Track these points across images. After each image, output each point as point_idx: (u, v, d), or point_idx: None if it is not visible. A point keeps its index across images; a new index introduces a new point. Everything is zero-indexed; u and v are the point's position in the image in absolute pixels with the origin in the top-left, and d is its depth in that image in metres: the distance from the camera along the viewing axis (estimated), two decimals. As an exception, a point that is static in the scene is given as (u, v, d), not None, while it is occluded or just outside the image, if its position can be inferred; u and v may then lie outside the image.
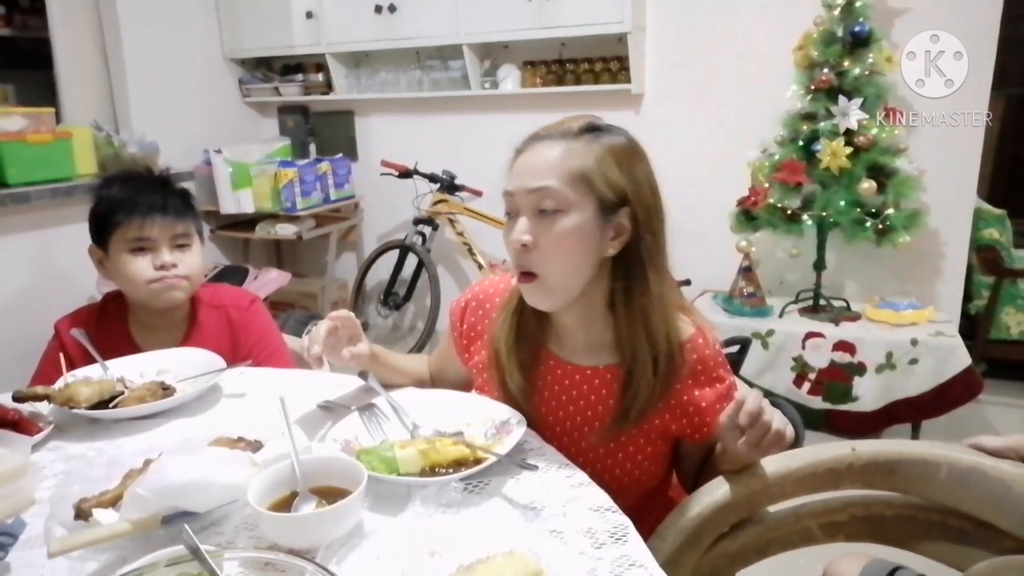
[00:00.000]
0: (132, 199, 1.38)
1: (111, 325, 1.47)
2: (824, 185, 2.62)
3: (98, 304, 1.52)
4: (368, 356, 1.12)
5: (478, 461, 0.90)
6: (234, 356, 1.30)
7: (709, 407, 1.01)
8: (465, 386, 1.19)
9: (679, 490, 1.20)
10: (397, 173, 3.37)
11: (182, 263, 1.41)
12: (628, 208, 0.94)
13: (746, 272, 2.83)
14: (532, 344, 1.05)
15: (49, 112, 2.82)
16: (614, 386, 1.01)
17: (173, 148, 3.38)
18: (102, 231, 1.40)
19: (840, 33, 2.57)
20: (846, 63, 2.53)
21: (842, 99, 2.53)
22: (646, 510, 1.12)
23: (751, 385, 1.31)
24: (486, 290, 1.15)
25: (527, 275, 0.95)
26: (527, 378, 1.04)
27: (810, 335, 2.64)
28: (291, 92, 3.84)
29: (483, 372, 1.11)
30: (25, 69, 3.99)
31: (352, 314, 1.10)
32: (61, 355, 1.29)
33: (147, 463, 0.86)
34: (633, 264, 0.95)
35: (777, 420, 0.90)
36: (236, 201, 3.43)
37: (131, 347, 1.41)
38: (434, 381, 1.28)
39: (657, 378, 0.97)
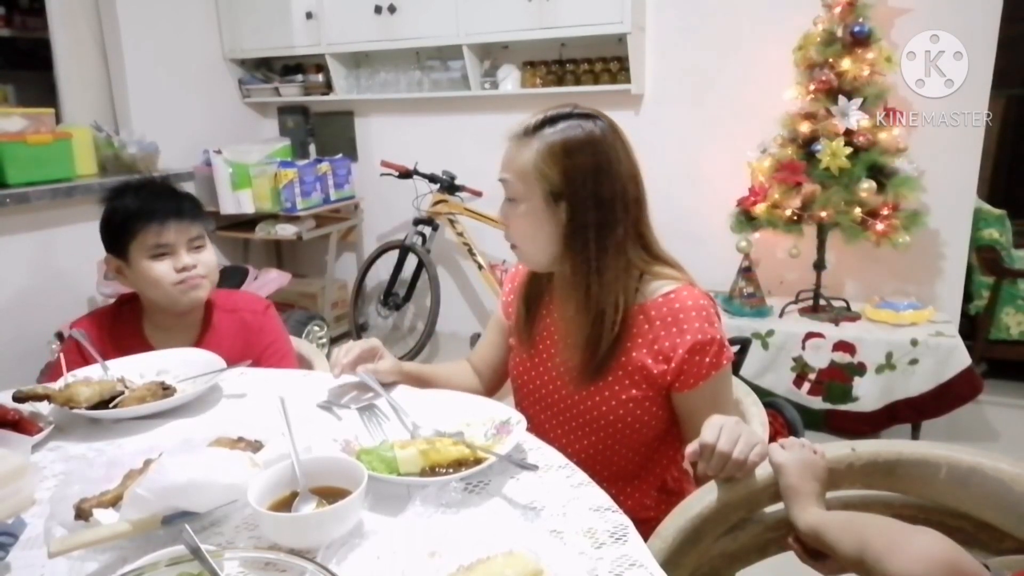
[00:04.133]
0: (148, 207, 1.40)
1: (126, 328, 1.48)
2: (824, 185, 2.62)
3: (112, 307, 1.53)
4: (389, 372, 1.19)
5: (478, 461, 0.90)
6: (246, 359, 1.31)
7: (687, 354, 1.08)
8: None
9: (683, 475, 1.26)
10: (397, 173, 3.37)
11: (200, 263, 1.45)
12: (562, 198, 1.08)
13: (746, 272, 2.83)
14: (543, 291, 1.23)
15: (49, 112, 2.82)
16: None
17: (173, 148, 3.39)
18: (119, 241, 1.42)
19: (840, 33, 2.57)
20: (846, 63, 2.54)
21: (842, 99, 2.53)
22: (657, 486, 1.20)
23: (751, 385, 1.31)
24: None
25: (513, 245, 1.16)
26: (529, 325, 1.23)
27: (810, 335, 2.64)
28: (291, 92, 3.84)
29: (512, 313, 1.30)
30: (25, 69, 4.00)
31: (376, 342, 1.21)
32: (62, 355, 1.29)
33: (147, 463, 0.85)
34: (578, 242, 1.09)
35: (738, 448, 0.92)
36: (236, 201, 3.43)
37: (146, 349, 1.42)
38: (483, 376, 1.36)
39: (599, 333, 1.09)
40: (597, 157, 1.07)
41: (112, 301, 1.57)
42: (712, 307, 1.12)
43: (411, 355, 3.40)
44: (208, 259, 1.47)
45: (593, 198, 1.07)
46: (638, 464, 1.18)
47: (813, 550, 0.90)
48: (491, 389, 1.36)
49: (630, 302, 1.11)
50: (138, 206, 1.41)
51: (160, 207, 1.41)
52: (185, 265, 1.41)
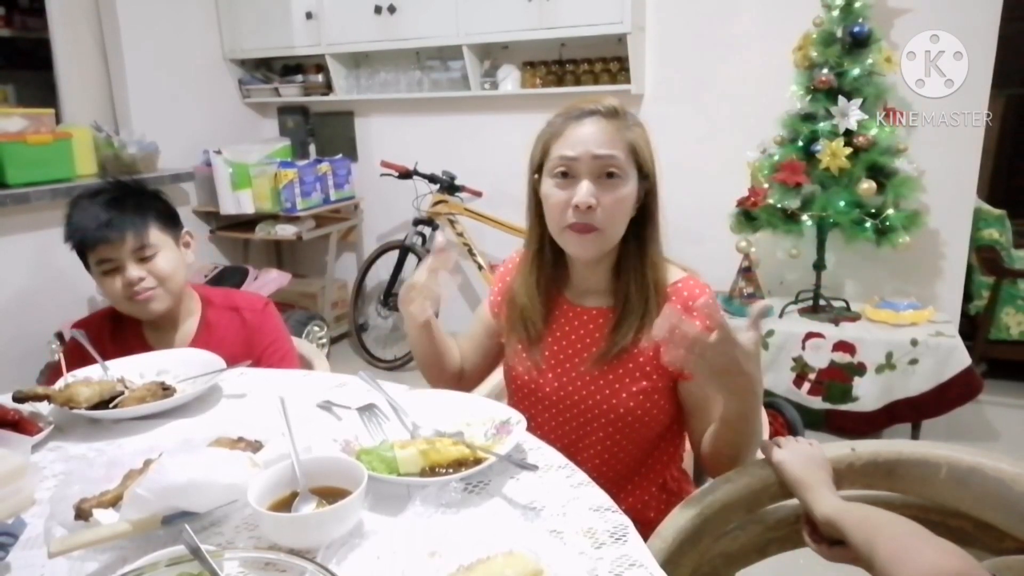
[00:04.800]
0: (80, 225, 1.37)
1: (126, 329, 1.48)
2: (824, 185, 2.62)
3: (111, 308, 1.52)
4: (424, 320, 1.19)
5: (478, 461, 0.90)
6: (247, 357, 1.31)
7: None
8: (488, 362, 1.34)
9: (683, 475, 1.26)
10: (397, 174, 3.37)
11: (150, 274, 1.39)
12: (649, 177, 1.11)
13: (746, 272, 2.83)
14: (549, 293, 1.21)
15: (49, 112, 2.82)
16: (608, 324, 1.15)
17: (173, 148, 3.39)
18: (80, 257, 1.43)
19: (840, 33, 2.58)
20: (846, 63, 2.54)
21: (842, 99, 2.53)
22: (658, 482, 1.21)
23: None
24: (512, 259, 1.31)
25: (588, 229, 1.08)
26: (545, 323, 1.21)
27: (810, 335, 2.64)
28: (291, 93, 3.84)
29: (504, 314, 1.27)
30: (25, 69, 4.00)
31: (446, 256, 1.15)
32: (61, 356, 1.29)
33: (147, 463, 0.85)
34: (642, 223, 1.13)
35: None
36: (236, 201, 3.44)
37: (145, 350, 1.42)
38: (467, 374, 1.36)
39: (643, 319, 1.11)
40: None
41: None
42: (715, 298, 1.13)
43: (411, 355, 3.40)
44: (161, 267, 1.40)
45: (656, 183, 1.13)
46: (640, 461, 1.19)
47: (829, 539, 0.88)
48: (469, 387, 1.34)
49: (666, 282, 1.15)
50: (75, 224, 1.38)
51: (90, 224, 1.36)
52: (130, 280, 1.37)
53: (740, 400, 0.96)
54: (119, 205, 1.40)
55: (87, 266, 1.43)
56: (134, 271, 1.38)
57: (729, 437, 1.03)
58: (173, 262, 1.44)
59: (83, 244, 1.38)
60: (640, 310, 1.11)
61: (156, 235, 1.42)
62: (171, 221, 1.48)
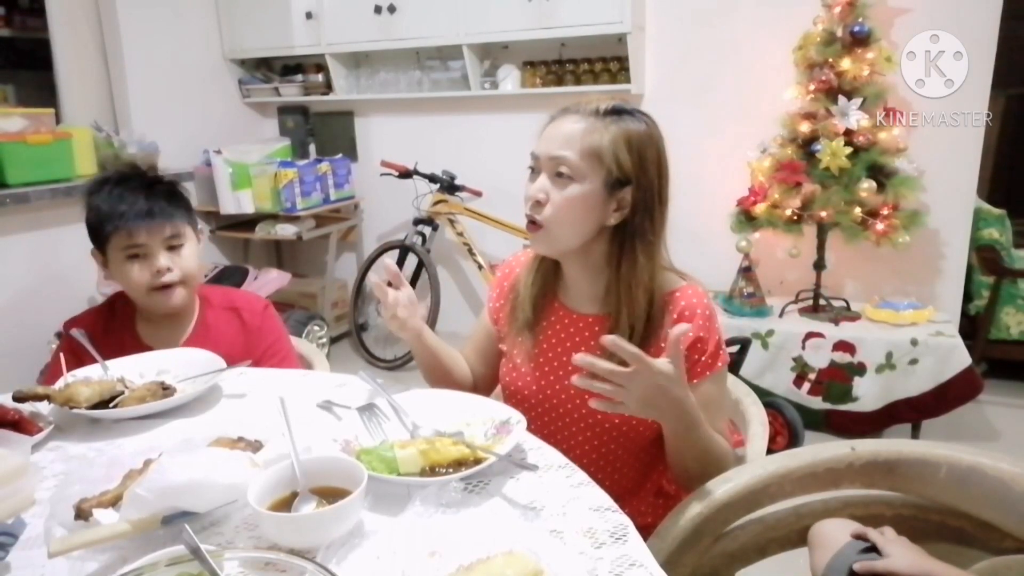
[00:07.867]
0: (117, 209, 1.36)
1: (119, 326, 1.47)
2: (824, 185, 2.62)
3: (105, 305, 1.52)
4: (415, 333, 1.18)
5: (478, 461, 0.89)
6: (244, 358, 1.30)
7: (686, 350, 1.07)
8: (495, 371, 1.31)
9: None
10: (397, 173, 3.38)
11: (177, 264, 1.40)
12: (631, 187, 1.07)
13: (746, 272, 2.83)
14: (546, 290, 1.21)
15: (49, 112, 2.82)
16: (604, 332, 1.11)
17: (173, 148, 3.39)
18: (98, 239, 1.41)
19: (840, 33, 2.57)
20: (846, 63, 2.54)
21: (842, 99, 2.53)
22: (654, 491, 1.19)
23: (750, 385, 1.31)
24: (517, 259, 1.31)
25: (534, 224, 1.10)
26: (535, 316, 1.20)
27: (810, 335, 2.64)
28: (291, 92, 3.84)
29: (503, 318, 1.27)
30: (25, 69, 4.00)
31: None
32: (61, 355, 1.29)
33: (147, 463, 0.85)
34: (629, 235, 1.09)
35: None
36: (236, 201, 3.44)
37: (139, 347, 1.41)
38: (472, 372, 1.35)
39: (637, 330, 1.09)
40: (660, 154, 1.10)
41: None
42: (713, 309, 1.13)
43: (411, 355, 3.40)
44: (187, 259, 1.42)
45: (657, 192, 1.09)
46: (638, 470, 1.18)
47: None
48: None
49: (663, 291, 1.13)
50: (109, 208, 1.37)
51: (129, 209, 1.36)
52: (159, 268, 1.37)
53: (675, 421, 0.99)
54: (152, 192, 1.40)
55: (102, 249, 1.41)
56: (164, 260, 1.38)
57: (676, 456, 1.06)
58: (196, 257, 1.45)
59: (117, 228, 1.36)
60: (635, 321, 1.09)
61: (184, 226, 1.43)
62: (191, 212, 1.48)
